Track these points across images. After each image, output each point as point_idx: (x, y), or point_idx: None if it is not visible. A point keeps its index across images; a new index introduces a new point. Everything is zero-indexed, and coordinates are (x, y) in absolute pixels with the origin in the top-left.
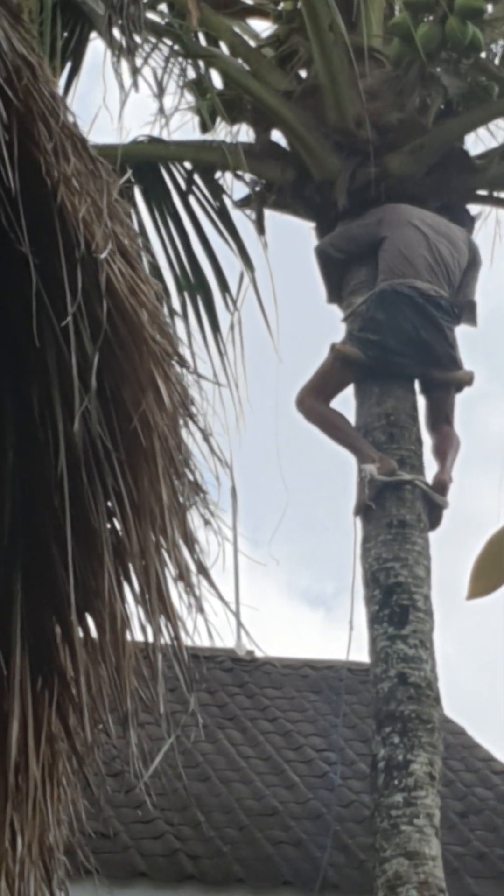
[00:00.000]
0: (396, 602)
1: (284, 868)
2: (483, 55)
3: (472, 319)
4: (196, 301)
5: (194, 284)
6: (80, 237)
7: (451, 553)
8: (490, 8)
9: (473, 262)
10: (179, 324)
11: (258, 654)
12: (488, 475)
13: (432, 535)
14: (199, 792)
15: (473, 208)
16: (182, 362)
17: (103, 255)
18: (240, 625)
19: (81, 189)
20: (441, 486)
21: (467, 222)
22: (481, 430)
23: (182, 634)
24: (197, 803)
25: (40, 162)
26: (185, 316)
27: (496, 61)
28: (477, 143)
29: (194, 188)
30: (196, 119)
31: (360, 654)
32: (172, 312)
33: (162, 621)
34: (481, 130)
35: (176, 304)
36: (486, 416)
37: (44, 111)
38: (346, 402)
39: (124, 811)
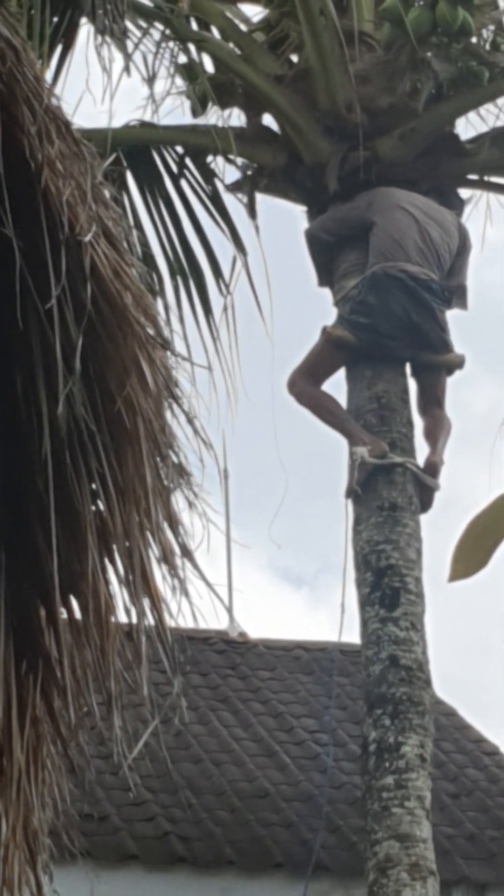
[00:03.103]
0: (387, 584)
1: (276, 850)
2: (473, 39)
3: (462, 303)
4: (188, 285)
5: (187, 269)
6: (65, 220)
7: (441, 535)
8: None
9: (464, 246)
10: (171, 306)
11: (249, 635)
12: (471, 457)
13: (423, 518)
14: (191, 774)
15: (464, 192)
16: (166, 345)
17: (87, 238)
18: (231, 606)
19: (65, 172)
20: (432, 468)
21: (457, 206)
22: (463, 411)
23: (166, 616)
24: (188, 785)
25: (24, 144)
26: (177, 300)
27: (486, 46)
28: (467, 127)
29: (186, 172)
30: (187, 103)
31: (352, 635)
32: (154, 292)
33: (146, 603)
34: (472, 115)
35: (168, 288)
36: (470, 397)
37: (28, 94)
38: (337, 385)
39: (115, 793)
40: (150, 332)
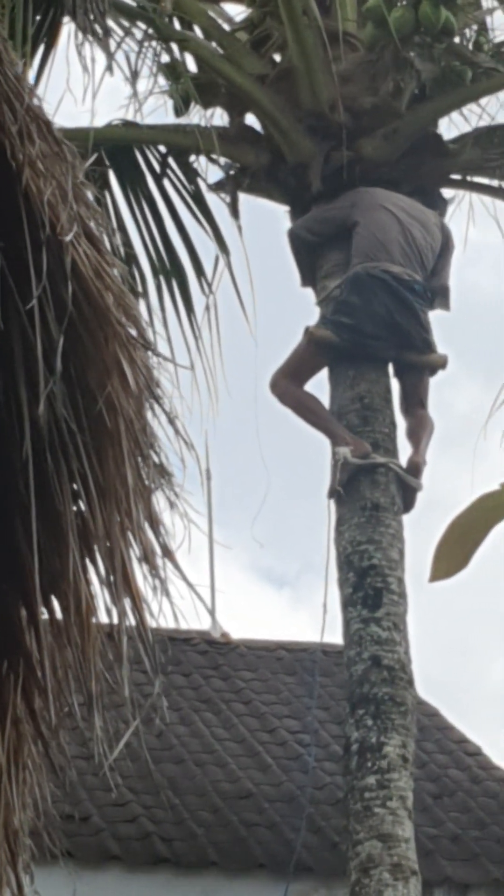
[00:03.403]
0: (370, 585)
1: (258, 851)
2: (456, 39)
3: (445, 304)
4: (171, 284)
5: (169, 269)
6: (46, 219)
7: (423, 536)
8: None
9: (446, 247)
10: (153, 306)
11: (232, 636)
12: (452, 457)
13: (406, 518)
14: (173, 775)
15: (447, 192)
16: (147, 345)
17: (68, 238)
18: (213, 607)
19: (46, 171)
20: (415, 468)
21: (440, 206)
22: (445, 411)
23: (147, 617)
24: (170, 786)
25: (5, 144)
26: (160, 299)
27: (469, 45)
28: (450, 127)
29: (169, 172)
30: (170, 103)
31: (334, 636)
32: (136, 293)
33: (127, 603)
34: (455, 115)
35: (151, 287)
36: (452, 398)
37: (8, 94)
38: (320, 386)
39: (97, 794)
40: (132, 332)
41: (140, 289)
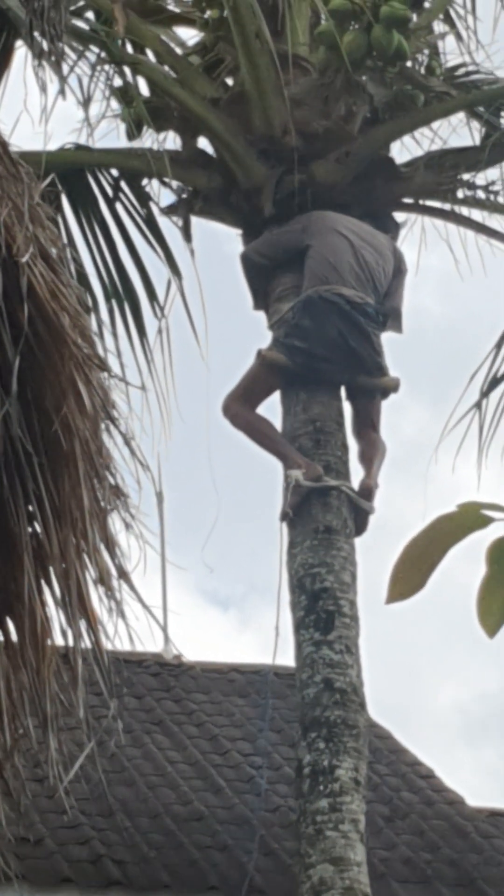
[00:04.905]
0: (322, 608)
1: (211, 873)
2: (409, 64)
3: (397, 326)
4: (123, 308)
5: (122, 293)
6: (1, 240)
7: (374, 559)
8: (415, 17)
9: (399, 270)
10: (105, 330)
11: (185, 658)
12: (399, 480)
13: (358, 541)
14: (125, 797)
15: (399, 216)
16: (103, 366)
17: (24, 259)
18: (166, 628)
19: (2, 192)
20: (367, 491)
21: (393, 229)
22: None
23: (102, 638)
24: (123, 808)
25: None
26: (112, 323)
27: (422, 70)
28: (403, 151)
29: (121, 195)
30: (122, 126)
31: (286, 658)
32: (89, 311)
33: (82, 625)
34: (407, 139)
35: (103, 311)
36: (397, 421)
37: None
38: (272, 409)
39: (49, 816)
40: (87, 352)
41: (91, 307)
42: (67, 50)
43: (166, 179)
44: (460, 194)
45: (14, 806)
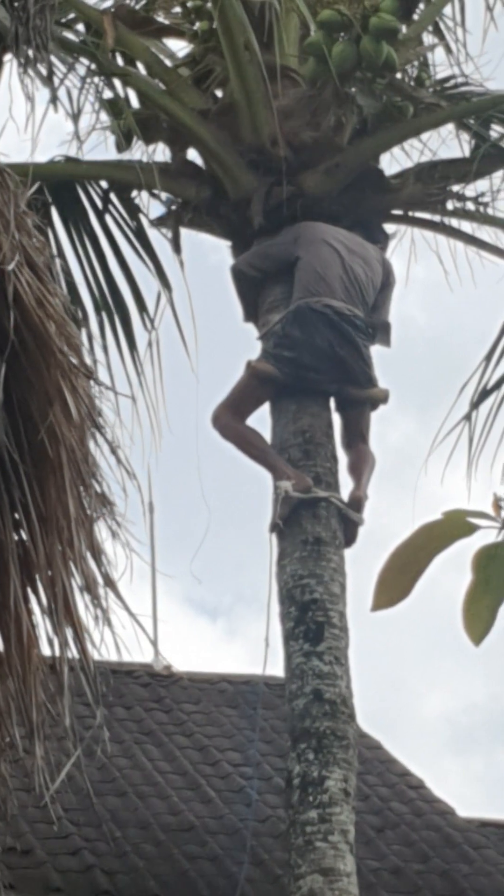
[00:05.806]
0: (312, 619)
1: (201, 883)
2: (398, 75)
3: (386, 339)
4: (113, 320)
5: (112, 305)
6: None
7: (363, 570)
8: (404, 28)
9: (387, 282)
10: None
11: (175, 668)
12: (385, 491)
13: (347, 552)
14: (115, 807)
15: (389, 227)
16: (89, 374)
17: (10, 267)
18: (156, 639)
19: None
20: (356, 503)
21: (382, 241)
22: (378, 445)
23: (89, 647)
24: (112, 819)
25: None
26: (102, 335)
27: (411, 81)
28: (392, 162)
29: (111, 207)
30: (112, 138)
31: (276, 668)
32: (78, 323)
33: (69, 634)
34: (396, 150)
35: (93, 323)
36: (384, 432)
37: None
38: (262, 420)
39: (39, 826)
40: (74, 361)
41: (80, 318)
42: (57, 62)
43: (156, 191)
44: (450, 206)
45: (2, 815)
